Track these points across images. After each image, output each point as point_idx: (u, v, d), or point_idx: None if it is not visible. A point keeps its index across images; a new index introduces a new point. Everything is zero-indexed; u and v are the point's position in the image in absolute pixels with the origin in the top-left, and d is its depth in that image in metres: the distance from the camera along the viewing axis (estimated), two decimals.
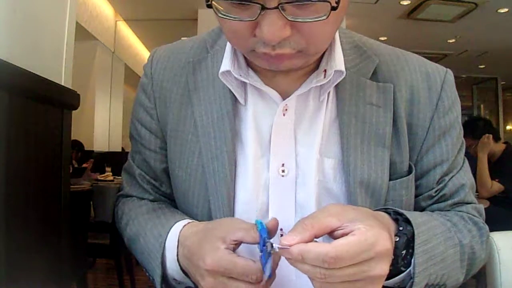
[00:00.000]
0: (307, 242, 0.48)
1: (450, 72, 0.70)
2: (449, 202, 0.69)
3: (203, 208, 0.66)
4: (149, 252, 0.64)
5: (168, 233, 0.62)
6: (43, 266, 1.12)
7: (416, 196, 0.69)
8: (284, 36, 0.51)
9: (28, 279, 1.04)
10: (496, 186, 2.82)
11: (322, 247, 0.46)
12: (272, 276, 0.53)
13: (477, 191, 2.82)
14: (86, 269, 2.85)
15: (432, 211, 0.69)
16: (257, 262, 0.52)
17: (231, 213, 0.65)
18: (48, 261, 1.16)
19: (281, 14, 0.49)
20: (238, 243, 0.55)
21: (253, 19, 0.50)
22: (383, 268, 0.48)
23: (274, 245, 0.50)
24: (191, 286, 0.63)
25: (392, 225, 0.56)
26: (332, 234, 0.50)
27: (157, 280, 0.61)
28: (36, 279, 1.08)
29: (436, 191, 0.68)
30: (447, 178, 0.68)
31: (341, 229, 0.49)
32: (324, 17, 0.49)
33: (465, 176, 0.70)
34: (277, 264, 0.53)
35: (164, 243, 0.61)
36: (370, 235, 0.48)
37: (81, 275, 2.59)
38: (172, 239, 0.61)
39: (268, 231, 0.52)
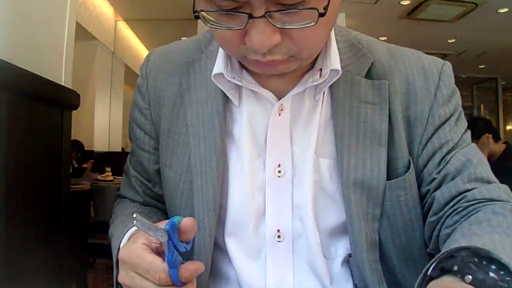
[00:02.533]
0: None
1: (448, 63, 0.69)
2: (459, 179, 0.61)
3: (189, 208, 0.65)
4: (113, 252, 0.62)
5: (125, 234, 0.61)
6: (43, 266, 1.12)
7: (420, 186, 0.65)
8: (274, 44, 0.50)
9: (28, 279, 1.04)
10: None
11: None
12: (181, 285, 0.49)
13: None
14: (86, 269, 2.85)
15: (446, 203, 0.61)
16: (166, 263, 0.48)
17: (216, 214, 0.63)
18: (48, 261, 1.16)
19: (269, 22, 0.48)
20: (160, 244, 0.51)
21: (242, 28, 0.49)
22: None
23: (164, 237, 0.47)
24: None
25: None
26: None
27: (114, 280, 0.60)
28: (36, 279, 1.08)
29: (437, 172, 0.63)
30: (448, 157, 0.64)
31: None
32: (313, 23, 0.48)
33: (471, 153, 0.65)
34: (192, 274, 0.49)
35: (120, 244, 0.60)
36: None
37: (81, 275, 2.59)
38: (125, 240, 0.60)
39: (179, 230, 0.49)
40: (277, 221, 0.63)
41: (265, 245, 0.63)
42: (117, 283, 0.58)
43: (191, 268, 0.48)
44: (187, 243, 0.49)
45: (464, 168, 0.62)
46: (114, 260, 0.59)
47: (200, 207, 0.64)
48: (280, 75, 0.61)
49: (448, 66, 0.69)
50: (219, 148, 0.64)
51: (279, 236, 0.63)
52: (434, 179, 0.63)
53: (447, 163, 0.63)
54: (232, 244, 0.65)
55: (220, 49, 0.65)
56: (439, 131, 0.65)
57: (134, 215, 0.46)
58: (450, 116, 0.66)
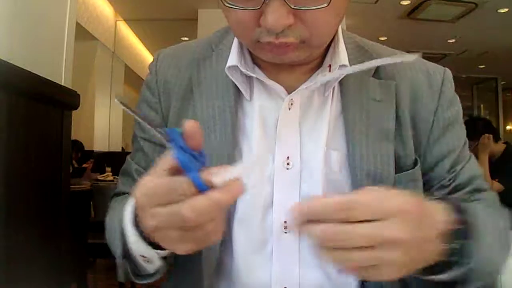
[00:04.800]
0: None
1: (448, 70, 0.73)
2: (466, 189, 0.69)
3: None
4: (114, 231, 0.59)
5: (127, 204, 0.54)
6: (43, 266, 1.12)
7: (429, 188, 0.69)
8: (287, 24, 0.53)
9: (28, 279, 1.04)
10: (496, 186, 2.82)
11: (341, 196, 0.42)
12: (207, 188, 0.40)
13: None
14: (86, 269, 2.85)
15: None
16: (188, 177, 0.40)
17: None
18: (48, 261, 1.16)
19: (284, 2, 0.51)
20: (170, 168, 0.43)
21: (257, 8, 0.52)
22: (405, 230, 0.42)
23: (165, 135, 0.40)
24: (160, 267, 0.57)
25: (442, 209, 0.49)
26: None
27: (119, 255, 0.56)
28: (36, 279, 1.08)
29: (449, 180, 0.69)
30: (458, 168, 0.69)
31: None
32: (325, 5, 0.51)
33: (474, 167, 0.71)
34: (209, 174, 0.40)
35: (123, 213, 0.54)
36: (394, 191, 0.45)
37: (81, 275, 2.59)
38: (130, 205, 0.53)
39: (180, 134, 0.41)
40: (284, 212, 0.64)
41: (271, 236, 0.64)
42: (122, 255, 0.56)
43: (213, 170, 0.41)
44: (200, 153, 0.41)
45: (470, 182, 0.69)
46: (119, 231, 0.55)
47: None
48: (290, 68, 0.64)
49: (449, 72, 0.73)
50: (230, 141, 0.65)
51: (285, 227, 0.64)
52: (445, 185, 0.69)
53: (457, 175, 0.69)
54: (239, 236, 0.66)
55: (234, 44, 0.67)
56: (447, 135, 0.69)
57: (116, 98, 0.40)
58: (454, 121, 0.70)
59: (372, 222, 0.42)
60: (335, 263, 0.44)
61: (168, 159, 0.42)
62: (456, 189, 0.69)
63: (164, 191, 0.42)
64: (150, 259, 0.55)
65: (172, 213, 0.41)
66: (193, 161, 0.40)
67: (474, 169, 0.71)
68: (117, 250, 0.58)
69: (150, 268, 0.57)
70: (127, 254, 0.56)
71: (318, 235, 0.43)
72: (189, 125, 0.41)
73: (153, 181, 0.43)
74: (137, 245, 0.54)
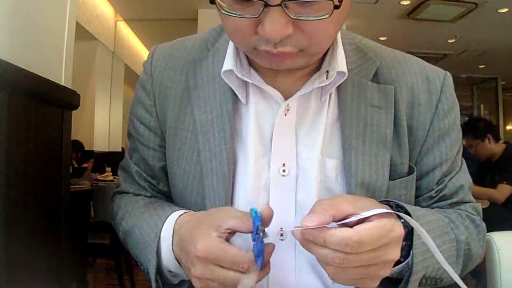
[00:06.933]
0: (326, 223, 0.48)
1: (449, 74, 0.71)
2: (449, 201, 0.69)
3: (201, 207, 0.66)
4: (144, 243, 0.63)
5: (164, 222, 0.62)
6: (43, 266, 1.12)
7: (417, 197, 0.69)
8: (286, 34, 0.51)
9: (28, 279, 1.04)
10: (506, 189, 2.78)
11: (346, 232, 0.47)
12: (264, 268, 0.52)
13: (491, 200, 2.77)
14: (86, 269, 2.85)
15: (432, 209, 0.69)
16: (250, 252, 0.51)
17: None
18: (48, 261, 1.16)
19: (284, 12, 0.49)
20: (231, 232, 0.54)
21: (256, 16, 0.50)
22: (396, 253, 0.50)
23: (266, 231, 0.51)
24: (185, 279, 0.63)
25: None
26: (345, 224, 0.50)
27: (152, 270, 0.60)
28: (36, 279, 1.08)
29: (436, 192, 0.69)
30: (446, 179, 0.69)
31: (355, 217, 0.49)
32: (327, 16, 0.49)
33: (463, 177, 0.71)
34: (270, 255, 0.53)
35: (160, 232, 0.61)
36: (387, 221, 0.49)
37: (81, 275, 2.59)
38: (168, 228, 0.61)
39: (262, 219, 0.51)
40: (280, 219, 0.62)
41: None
42: (155, 274, 0.61)
43: (269, 252, 0.53)
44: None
45: (455, 195, 0.70)
46: (154, 251, 0.60)
47: (212, 205, 0.64)
48: (287, 72, 0.63)
49: (449, 77, 0.71)
50: (229, 146, 0.64)
51: (281, 235, 0.63)
52: (432, 197, 0.69)
53: (445, 186, 0.69)
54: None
55: (229, 46, 0.65)
56: (441, 144, 0.68)
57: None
58: (450, 129, 0.69)
59: (373, 251, 0.48)
60: (331, 276, 0.50)
61: (230, 222, 0.53)
62: (440, 200, 0.69)
63: (231, 259, 0.51)
64: (177, 275, 0.62)
65: (232, 277, 0.51)
66: (262, 250, 0.51)
67: (463, 179, 0.71)
68: (148, 263, 0.62)
69: (174, 280, 0.64)
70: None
71: (320, 258, 0.49)
72: (268, 212, 0.52)
73: (223, 246, 0.52)
74: (167, 262, 0.61)
